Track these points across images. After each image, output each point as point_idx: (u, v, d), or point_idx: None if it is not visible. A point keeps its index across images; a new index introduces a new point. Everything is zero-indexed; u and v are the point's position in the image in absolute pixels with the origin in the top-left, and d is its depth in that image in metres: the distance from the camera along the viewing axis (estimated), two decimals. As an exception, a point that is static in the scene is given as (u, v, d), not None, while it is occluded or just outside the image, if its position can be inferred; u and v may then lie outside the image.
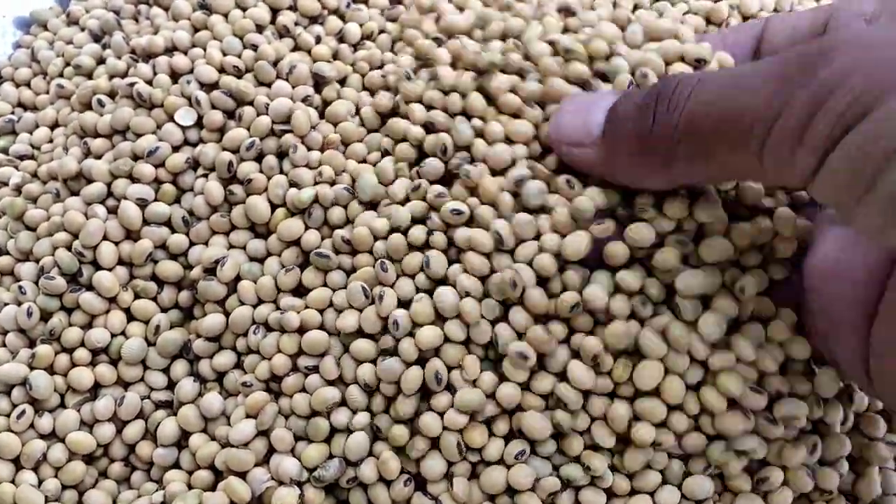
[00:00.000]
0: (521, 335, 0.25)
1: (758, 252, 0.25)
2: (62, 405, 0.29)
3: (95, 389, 0.29)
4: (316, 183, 0.29)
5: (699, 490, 0.26)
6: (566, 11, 0.30)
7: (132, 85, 0.32)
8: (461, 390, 0.25)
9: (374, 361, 0.27)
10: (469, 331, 0.26)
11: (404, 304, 0.26)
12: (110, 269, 0.30)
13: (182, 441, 0.29)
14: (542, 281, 0.25)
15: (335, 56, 0.34)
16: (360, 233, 0.28)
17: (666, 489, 0.26)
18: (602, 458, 0.25)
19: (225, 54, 0.32)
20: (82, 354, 0.29)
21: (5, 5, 0.41)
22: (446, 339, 0.26)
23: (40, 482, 0.28)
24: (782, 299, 0.25)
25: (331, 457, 0.27)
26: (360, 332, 0.27)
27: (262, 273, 0.29)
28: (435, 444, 0.26)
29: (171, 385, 0.30)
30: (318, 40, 0.34)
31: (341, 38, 0.35)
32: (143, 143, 0.31)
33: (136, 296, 0.30)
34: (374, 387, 0.26)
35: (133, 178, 0.30)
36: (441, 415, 0.26)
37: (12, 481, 0.28)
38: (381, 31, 0.35)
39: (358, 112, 0.31)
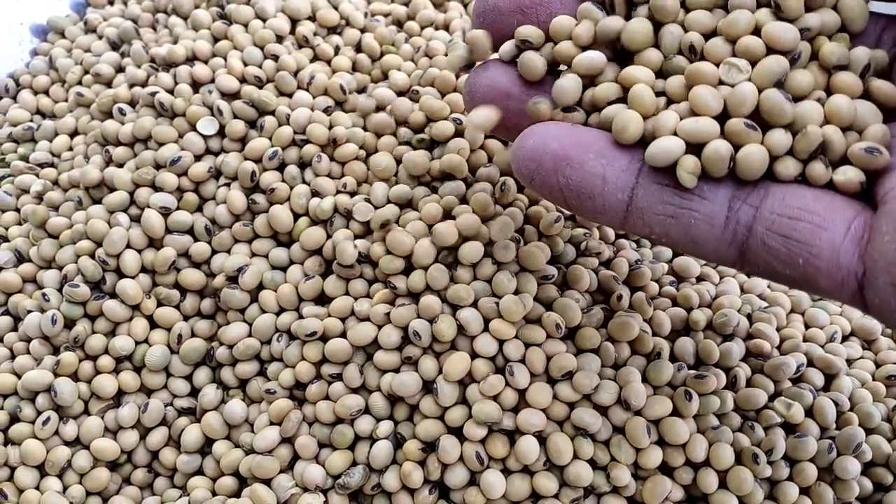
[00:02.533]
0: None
1: None
2: (86, 412, 0.29)
3: (119, 396, 0.30)
4: (337, 192, 0.30)
5: None
6: None
7: (153, 94, 0.32)
8: (478, 403, 0.26)
9: (397, 370, 0.27)
10: (502, 347, 0.26)
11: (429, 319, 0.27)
12: (133, 277, 0.30)
13: (205, 448, 0.29)
14: None
15: (354, 67, 0.34)
16: (376, 248, 0.28)
17: None
18: (625, 469, 0.26)
19: (245, 64, 0.33)
20: (106, 362, 0.29)
21: (22, 12, 0.41)
22: (475, 356, 0.26)
23: (65, 489, 0.28)
24: None
25: (355, 464, 0.27)
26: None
27: (284, 281, 0.29)
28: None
29: (194, 392, 0.30)
30: (337, 51, 0.34)
31: (359, 48, 0.35)
32: (166, 152, 0.31)
33: (159, 303, 0.30)
34: (398, 395, 0.27)
35: (155, 187, 0.31)
36: (459, 430, 0.26)
37: (37, 488, 0.28)
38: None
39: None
